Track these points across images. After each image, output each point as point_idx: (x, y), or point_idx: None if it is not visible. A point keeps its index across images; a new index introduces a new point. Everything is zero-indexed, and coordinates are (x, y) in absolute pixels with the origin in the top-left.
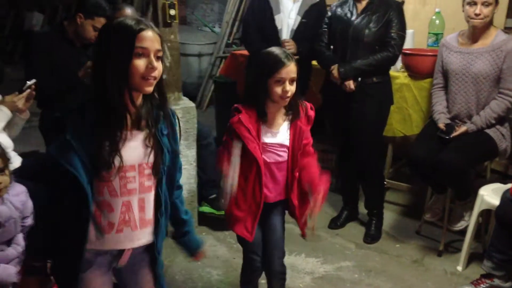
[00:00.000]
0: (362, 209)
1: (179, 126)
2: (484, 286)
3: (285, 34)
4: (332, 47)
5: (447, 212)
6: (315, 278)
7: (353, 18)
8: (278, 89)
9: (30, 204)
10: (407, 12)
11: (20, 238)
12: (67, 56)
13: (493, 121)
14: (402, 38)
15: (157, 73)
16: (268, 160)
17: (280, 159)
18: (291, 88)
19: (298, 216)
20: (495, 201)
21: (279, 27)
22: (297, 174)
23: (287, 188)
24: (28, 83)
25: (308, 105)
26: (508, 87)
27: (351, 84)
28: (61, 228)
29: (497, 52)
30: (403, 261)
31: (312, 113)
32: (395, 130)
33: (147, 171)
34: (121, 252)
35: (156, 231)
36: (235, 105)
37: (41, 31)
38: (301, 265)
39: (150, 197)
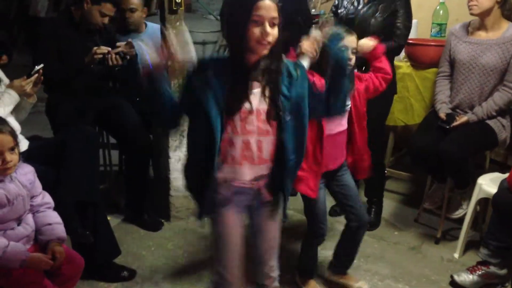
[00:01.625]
0: (362, 197)
1: (302, 68)
2: (480, 272)
3: None
4: None
5: (445, 200)
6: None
7: (360, 7)
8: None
9: (38, 183)
10: (412, 2)
11: (30, 218)
12: (74, 42)
13: (494, 113)
14: (407, 28)
15: (271, 38)
16: (331, 133)
17: (341, 128)
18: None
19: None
20: (493, 190)
21: None
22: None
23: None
24: (36, 67)
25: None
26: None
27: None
28: (193, 158)
29: (506, 45)
30: (401, 248)
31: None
32: (397, 119)
33: (263, 116)
34: (259, 193)
35: (278, 168)
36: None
37: (48, 17)
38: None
39: (268, 140)
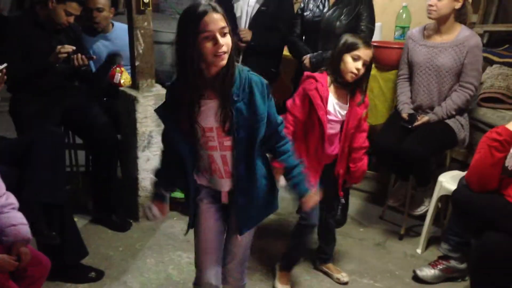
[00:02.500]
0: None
1: (266, 88)
2: (441, 267)
3: (244, 22)
4: (304, 37)
5: (408, 198)
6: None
7: (325, 10)
8: (351, 64)
9: (1, 184)
10: (376, 5)
11: None
12: (39, 41)
13: (454, 112)
14: (371, 30)
15: (225, 48)
16: (329, 130)
17: (333, 131)
18: (362, 69)
19: (339, 182)
20: (453, 187)
21: (237, 15)
22: (347, 149)
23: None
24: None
25: (366, 103)
26: (468, 81)
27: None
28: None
29: (460, 47)
30: (366, 244)
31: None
32: None
33: (223, 133)
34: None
35: (235, 184)
36: (308, 73)
37: (13, 16)
38: (269, 248)
39: (229, 154)
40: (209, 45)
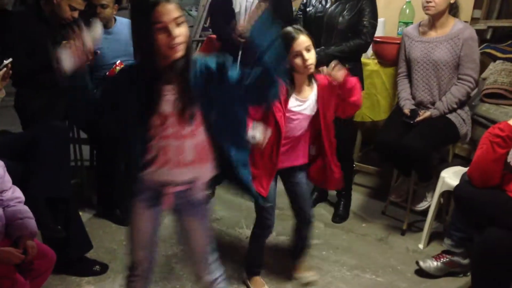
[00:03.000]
0: (331, 191)
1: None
2: (444, 260)
3: (243, 17)
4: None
5: (411, 193)
6: (285, 255)
7: (328, 5)
8: (299, 61)
9: (8, 178)
10: (379, 1)
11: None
12: (43, 36)
13: (455, 106)
14: (374, 26)
15: (181, 39)
16: (291, 134)
17: (302, 131)
18: (310, 56)
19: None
20: (455, 182)
21: (236, 10)
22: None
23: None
24: (5, 62)
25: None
26: (466, 73)
27: (324, 70)
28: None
29: (455, 40)
30: (369, 240)
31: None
32: (364, 115)
33: (181, 119)
34: (185, 194)
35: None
36: None
37: (17, 11)
38: (271, 242)
39: (191, 142)
40: (163, 36)
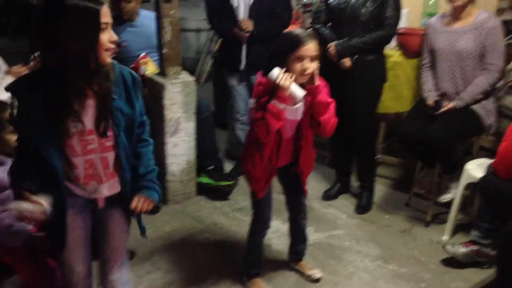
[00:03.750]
0: (354, 182)
1: (138, 84)
2: (473, 248)
3: (242, 12)
4: (329, 25)
5: (435, 185)
6: (307, 245)
7: None
8: (297, 66)
9: None
10: None
11: None
12: None
13: (480, 96)
14: (397, 17)
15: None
16: (285, 136)
17: (292, 132)
18: (311, 66)
19: (303, 178)
20: (480, 174)
21: (235, 5)
22: (304, 143)
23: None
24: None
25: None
26: (491, 62)
27: (347, 62)
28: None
29: (479, 30)
30: (392, 231)
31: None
32: (388, 107)
33: (103, 134)
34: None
35: (122, 182)
36: (260, 79)
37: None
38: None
39: (112, 154)
40: (104, 37)
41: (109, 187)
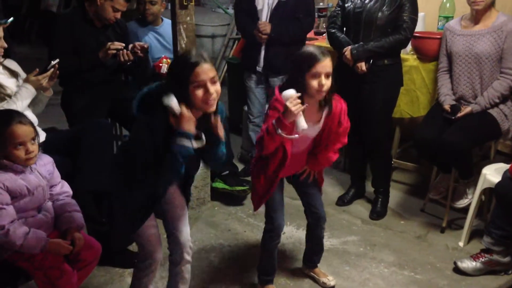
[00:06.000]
0: (369, 188)
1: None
2: (483, 260)
3: (265, 15)
4: (345, 29)
5: (451, 190)
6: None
7: (367, 1)
8: (315, 83)
9: (57, 173)
10: None
11: (49, 206)
12: (88, 37)
13: (497, 100)
14: (414, 21)
15: (215, 96)
16: (294, 150)
17: (304, 147)
18: (326, 82)
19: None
20: (497, 179)
21: (259, 7)
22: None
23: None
24: (52, 62)
25: (341, 101)
26: (509, 67)
27: (363, 66)
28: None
29: (498, 33)
30: (407, 237)
31: (343, 107)
32: (403, 111)
33: None
34: None
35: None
36: (277, 96)
37: (63, 13)
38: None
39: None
40: (199, 93)
41: None
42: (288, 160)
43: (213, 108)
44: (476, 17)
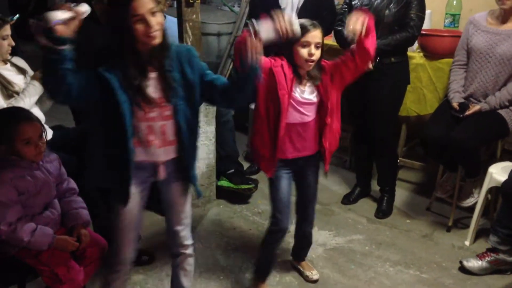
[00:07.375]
0: (375, 186)
1: (192, 53)
2: (489, 259)
3: (291, 14)
4: None
5: (457, 189)
6: (327, 249)
7: None
8: (304, 52)
9: (63, 171)
10: None
11: (56, 203)
12: (95, 35)
13: (507, 103)
14: (421, 19)
15: (157, 27)
16: (293, 122)
17: (306, 118)
18: (316, 53)
19: (327, 158)
20: (503, 178)
21: (283, 6)
22: (329, 120)
23: (320, 137)
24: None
25: (324, 61)
26: None
27: (369, 64)
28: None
29: None
30: (413, 236)
31: (328, 62)
32: (409, 109)
33: (164, 103)
34: (156, 168)
35: (180, 149)
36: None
37: None
38: (314, 237)
39: (170, 123)
40: (140, 26)
41: (166, 153)
42: (284, 115)
43: (157, 40)
44: (504, 16)
